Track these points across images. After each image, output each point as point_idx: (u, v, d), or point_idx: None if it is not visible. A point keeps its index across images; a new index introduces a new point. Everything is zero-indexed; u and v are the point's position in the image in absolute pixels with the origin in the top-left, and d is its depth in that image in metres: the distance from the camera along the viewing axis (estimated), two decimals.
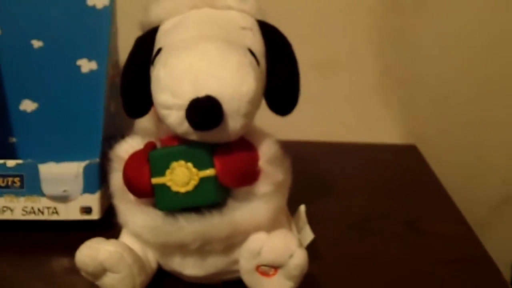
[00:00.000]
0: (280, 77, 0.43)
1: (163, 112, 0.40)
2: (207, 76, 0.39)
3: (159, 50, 0.42)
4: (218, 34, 0.42)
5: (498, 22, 0.78)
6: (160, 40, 0.43)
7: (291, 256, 0.41)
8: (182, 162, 0.40)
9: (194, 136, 0.40)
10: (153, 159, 0.41)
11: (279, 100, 0.44)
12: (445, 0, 0.78)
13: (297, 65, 0.44)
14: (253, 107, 0.40)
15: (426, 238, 0.56)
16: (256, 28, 0.44)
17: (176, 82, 0.39)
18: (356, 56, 0.80)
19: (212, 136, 0.40)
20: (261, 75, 0.42)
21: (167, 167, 0.41)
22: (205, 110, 0.38)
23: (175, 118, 0.39)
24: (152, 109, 0.43)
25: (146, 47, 0.43)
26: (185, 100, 0.38)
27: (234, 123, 0.39)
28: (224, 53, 0.40)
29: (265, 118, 0.44)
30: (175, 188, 0.40)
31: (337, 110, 0.82)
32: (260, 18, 0.45)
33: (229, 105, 0.39)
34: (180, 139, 0.41)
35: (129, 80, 0.44)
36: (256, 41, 0.43)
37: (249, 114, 0.40)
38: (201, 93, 0.38)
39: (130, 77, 0.44)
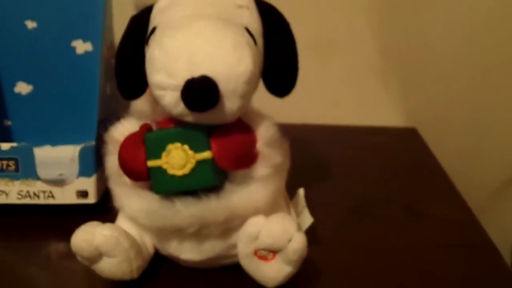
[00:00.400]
0: (278, 57, 0.42)
1: (158, 92, 0.39)
2: (203, 55, 0.38)
3: (154, 29, 0.41)
4: (214, 12, 0.41)
5: (498, 2, 0.77)
6: (155, 19, 0.42)
7: (289, 240, 0.40)
8: (178, 145, 0.40)
9: (190, 117, 0.39)
10: (148, 142, 0.41)
11: (277, 81, 0.43)
12: None
13: (295, 44, 0.43)
14: (250, 87, 0.40)
15: (426, 222, 0.55)
16: (253, 6, 0.43)
17: (171, 62, 0.38)
18: (355, 36, 0.79)
19: (208, 117, 0.39)
20: (258, 54, 0.41)
21: (163, 149, 0.40)
22: (200, 91, 0.37)
23: (170, 99, 0.38)
24: (148, 91, 0.42)
25: (140, 27, 0.42)
26: (181, 81, 0.37)
27: (230, 104, 0.39)
28: (220, 32, 0.39)
29: (263, 100, 0.44)
30: (171, 171, 0.40)
31: (335, 93, 0.82)
32: None
33: (225, 85, 0.38)
34: (176, 121, 0.41)
35: (123, 61, 0.43)
36: (253, 20, 0.42)
37: (246, 95, 0.39)
38: (197, 73, 0.37)
39: (125, 57, 0.43)
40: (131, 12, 0.45)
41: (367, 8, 0.78)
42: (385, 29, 0.79)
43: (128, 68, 0.42)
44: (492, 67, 0.79)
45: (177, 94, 0.38)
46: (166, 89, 0.38)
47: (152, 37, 0.41)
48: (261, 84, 0.43)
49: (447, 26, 0.78)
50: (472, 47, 0.79)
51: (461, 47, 0.79)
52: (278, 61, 0.42)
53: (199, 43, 0.38)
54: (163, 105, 0.39)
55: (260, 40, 0.42)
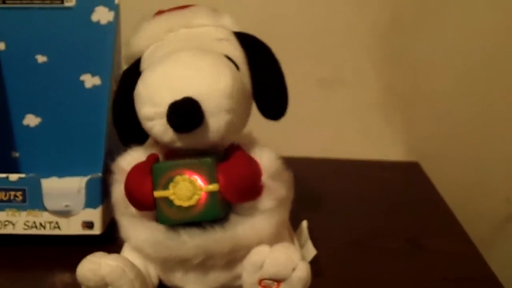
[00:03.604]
0: (264, 80, 0.44)
1: (148, 124, 0.41)
2: (182, 79, 0.40)
3: (141, 73, 0.43)
4: (193, 46, 0.43)
5: (498, 40, 0.78)
6: (142, 66, 0.45)
7: (294, 269, 0.41)
8: (186, 176, 0.40)
9: (180, 142, 0.40)
10: (156, 172, 0.41)
11: (268, 104, 0.44)
12: (445, 18, 0.78)
13: (279, 66, 0.45)
14: (234, 104, 0.41)
15: (429, 255, 0.56)
16: (232, 38, 0.45)
17: (154, 92, 0.40)
18: (358, 73, 0.80)
19: (197, 138, 0.40)
20: (243, 78, 0.43)
21: (171, 180, 0.41)
22: (183, 110, 0.38)
23: (159, 127, 0.40)
24: None
25: (132, 78, 0.44)
26: (165, 107, 0.39)
27: (217, 121, 0.40)
28: (197, 57, 0.41)
29: (268, 134, 0.44)
30: (177, 202, 0.40)
31: (339, 127, 0.83)
32: (237, 30, 0.46)
33: (208, 103, 0.39)
34: (183, 153, 0.41)
35: (120, 114, 0.45)
36: (233, 49, 0.44)
37: (232, 111, 0.40)
38: (179, 97, 0.39)
39: (120, 110, 0.45)
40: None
41: (370, 46, 0.79)
42: (387, 66, 0.80)
43: (125, 120, 0.44)
44: (492, 102, 0.80)
45: (164, 120, 0.39)
46: (154, 119, 0.40)
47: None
48: (262, 119, 0.44)
49: (447, 63, 0.79)
50: (472, 83, 0.80)
51: (461, 83, 0.80)
52: (265, 85, 0.44)
53: (177, 69, 0.40)
54: (154, 136, 0.41)
55: (243, 67, 0.44)
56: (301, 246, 0.49)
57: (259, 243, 0.42)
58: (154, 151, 0.44)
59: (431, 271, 0.52)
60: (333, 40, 0.79)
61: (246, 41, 0.46)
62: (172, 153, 0.43)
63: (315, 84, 0.80)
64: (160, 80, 0.40)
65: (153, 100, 0.40)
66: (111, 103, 0.56)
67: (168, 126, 0.39)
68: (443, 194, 0.69)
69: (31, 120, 0.65)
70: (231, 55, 0.43)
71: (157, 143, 0.44)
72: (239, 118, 0.42)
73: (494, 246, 0.82)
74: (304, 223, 0.51)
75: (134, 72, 0.45)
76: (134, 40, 0.47)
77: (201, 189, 0.40)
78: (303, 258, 0.42)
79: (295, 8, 0.77)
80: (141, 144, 0.45)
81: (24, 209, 0.52)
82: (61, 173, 0.63)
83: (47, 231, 0.53)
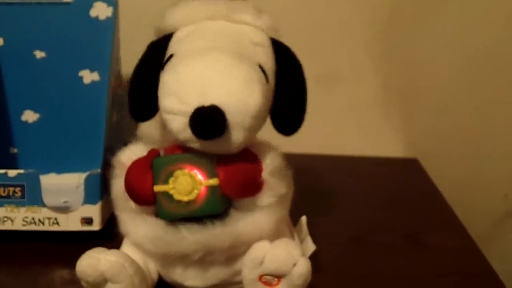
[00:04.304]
0: (288, 97, 0.43)
1: (167, 117, 0.40)
2: (215, 85, 0.39)
3: (171, 56, 0.42)
4: (230, 47, 0.42)
5: (497, 35, 0.78)
6: (173, 47, 0.43)
7: (294, 265, 0.41)
8: (185, 171, 0.40)
9: (195, 144, 0.40)
10: (156, 167, 0.41)
11: (284, 120, 0.43)
12: (444, 13, 0.78)
13: (305, 86, 0.44)
14: (257, 122, 0.40)
15: (428, 251, 0.56)
16: (268, 45, 0.44)
17: (183, 88, 0.39)
18: (357, 69, 0.80)
19: (213, 146, 0.39)
20: (268, 92, 0.42)
21: (171, 175, 0.40)
22: (208, 119, 0.38)
23: (179, 124, 0.39)
24: (157, 116, 0.43)
25: (158, 52, 0.43)
26: (190, 107, 0.38)
27: (236, 136, 0.39)
28: (233, 65, 0.40)
29: (267, 130, 0.44)
30: (177, 196, 0.40)
31: (338, 124, 0.83)
32: (273, 36, 0.45)
33: (233, 117, 0.39)
34: (184, 148, 0.41)
35: (138, 83, 0.43)
36: (267, 58, 0.43)
37: (252, 128, 0.40)
38: (207, 102, 0.38)
39: (140, 80, 0.43)
40: (139, 42, 0.46)
41: (368, 43, 0.79)
42: (386, 62, 0.80)
43: (142, 90, 0.43)
44: (491, 99, 0.80)
45: (186, 120, 0.38)
46: (176, 114, 0.39)
47: (168, 64, 0.42)
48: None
49: (446, 59, 0.79)
50: (471, 79, 0.80)
51: (459, 79, 0.80)
52: (287, 101, 0.43)
53: (211, 73, 0.39)
54: (171, 130, 0.40)
55: (272, 78, 0.43)
56: (301, 241, 0.49)
57: (259, 239, 0.42)
58: (155, 146, 0.44)
59: (430, 267, 0.52)
60: (331, 37, 0.79)
61: (281, 52, 0.44)
62: (173, 148, 0.43)
63: (313, 81, 0.78)
64: (192, 78, 0.39)
65: (180, 96, 0.39)
66: (110, 98, 0.56)
67: (187, 126, 0.38)
68: (442, 190, 0.70)
69: (29, 116, 0.64)
70: (264, 66, 0.42)
71: (165, 128, 0.43)
72: (255, 133, 0.42)
73: (493, 242, 0.82)
74: (304, 219, 0.51)
75: (162, 46, 0.44)
76: (170, 14, 0.45)
77: (201, 183, 0.40)
78: (303, 253, 0.42)
79: (293, 4, 0.77)
80: (149, 119, 0.44)
81: (23, 205, 0.52)
82: (59, 169, 0.63)
83: (46, 227, 0.52)
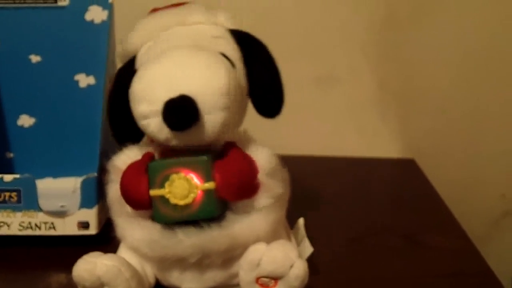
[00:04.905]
0: (260, 78, 0.44)
1: (143, 123, 0.40)
2: (178, 76, 0.39)
3: (136, 71, 0.43)
4: (189, 43, 0.43)
5: (493, 36, 0.78)
6: (137, 64, 0.44)
7: (291, 266, 0.40)
8: (181, 174, 0.40)
9: (175, 140, 0.40)
10: (151, 171, 0.41)
11: (264, 101, 0.45)
12: (440, 15, 0.78)
13: (275, 63, 0.45)
14: (231, 102, 0.40)
15: (426, 252, 0.56)
16: (228, 36, 0.45)
17: (149, 90, 0.40)
18: (354, 70, 0.80)
19: (193, 136, 0.40)
20: (238, 76, 0.43)
21: (166, 179, 0.40)
22: (180, 108, 0.38)
23: (154, 125, 0.40)
24: None
25: (126, 77, 0.43)
26: (160, 105, 0.39)
27: (213, 119, 0.40)
28: (192, 54, 0.41)
29: (264, 132, 0.44)
30: (173, 200, 0.40)
31: (335, 125, 0.83)
32: (233, 27, 0.46)
33: (204, 100, 0.39)
34: (179, 152, 0.41)
35: (115, 112, 0.45)
36: (229, 47, 0.44)
37: (228, 109, 0.40)
38: (174, 94, 0.38)
39: (115, 107, 0.45)
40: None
41: (365, 44, 0.79)
42: (383, 63, 0.80)
43: (120, 117, 0.44)
44: (487, 99, 0.81)
45: (159, 119, 0.39)
46: (149, 117, 0.40)
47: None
48: (258, 117, 0.44)
49: (442, 60, 0.79)
50: (467, 80, 0.80)
51: (456, 80, 0.80)
52: (261, 82, 0.44)
53: (172, 67, 0.40)
54: (150, 135, 0.41)
55: (239, 64, 0.44)
56: (298, 243, 0.49)
57: (256, 241, 0.42)
58: (149, 149, 0.44)
59: (428, 267, 0.52)
60: (328, 38, 0.79)
61: (241, 38, 0.45)
62: (168, 152, 0.43)
63: (310, 82, 0.80)
64: (154, 78, 0.40)
65: (148, 98, 0.39)
66: (105, 101, 0.56)
67: (163, 124, 0.39)
68: (439, 191, 0.70)
69: (25, 120, 0.64)
70: (226, 53, 0.43)
71: (152, 141, 0.44)
72: (235, 116, 0.42)
73: (490, 242, 0.82)
74: (301, 221, 0.51)
75: (129, 70, 0.44)
76: (129, 38, 0.47)
77: (197, 187, 0.40)
78: (300, 255, 0.42)
79: (290, 6, 0.77)
80: (137, 143, 0.45)
81: (19, 209, 0.52)
82: (56, 174, 0.63)
83: (43, 232, 0.52)
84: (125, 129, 0.44)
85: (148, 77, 0.40)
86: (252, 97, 0.44)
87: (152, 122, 0.40)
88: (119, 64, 0.48)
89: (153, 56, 0.43)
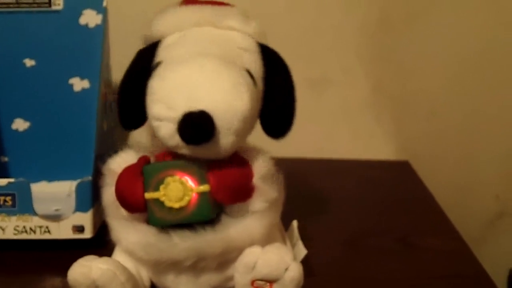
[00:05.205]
0: (277, 101, 0.44)
1: (156, 123, 0.40)
2: (202, 91, 0.39)
3: (158, 63, 0.42)
4: (217, 52, 0.42)
5: (487, 38, 0.79)
6: (161, 54, 0.43)
7: (286, 269, 0.41)
8: (176, 177, 0.40)
9: (184, 150, 0.40)
10: (147, 174, 0.41)
11: (274, 124, 0.44)
12: (434, 17, 0.78)
13: (294, 90, 0.44)
14: (246, 126, 0.40)
15: (420, 254, 0.56)
16: (256, 50, 0.44)
17: (171, 95, 0.39)
18: (348, 73, 0.81)
19: (202, 151, 0.40)
20: (257, 96, 0.42)
21: (161, 182, 0.40)
22: (197, 125, 0.38)
23: (167, 130, 0.39)
24: (147, 123, 0.43)
25: (146, 60, 0.43)
26: (179, 113, 0.38)
27: (225, 140, 0.39)
28: (221, 70, 0.40)
29: (258, 135, 0.44)
30: (168, 203, 0.40)
31: (329, 127, 0.83)
32: (261, 41, 0.45)
33: (221, 121, 0.39)
34: (174, 155, 0.41)
35: (126, 91, 0.44)
36: (254, 63, 0.43)
37: (241, 133, 0.40)
38: (195, 108, 0.38)
39: (128, 88, 0.44)
40: (129, 49, 0.46)
41: (359, 46, 0.79)
42: (376, 66, 0.80)
43: (130, 99, 0.43)
44: (482, 101, 0.81)
45: (174, 126, 0.39)
46: (164, 121, 0.39)
47: (155, 71, 0.42)
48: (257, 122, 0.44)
49: (436, 63, 0.79)
50: (462, 82, 0.80)
51: (450, 82, 0.80)
52: (276, 104, 0.44)
53: (199, 79, 0.39)
54: (159, 137, 0.40)
55: (260, 83, 0.43)
56: (292, 246, 0.49)
57: (251, 244, 0.42)
58: (145, 153, 0.44)
59: (423, 269, 0.53)
60: (322, 41, 0.79)
61: (269, 57, 0.45)
62: (162, 155, 0.43)
63: (304, 85, 0.79)
64: (179, 84, 0.39)
65: (166, 101, 0.39)
66: (100, 105, 0.56)
67: (176, 132, 0.39)
68: (433, 193, 0.70)
69: (20, 124, 0.64)
70: (251, 70, 0.42)
71: (154, 137, 0.43)
72: (244, 137, 0.42)
73: (485, 244, 0.82)
74: (295, 223, 0.51)
75: (149, 54, 0.44)
76: (157, 22, 0.45)
77: (192, 190, 0.40)
78: (294, 258, 0.42)
79: (284, 8, 0.78)
80: (138, 127, 0.44)
81: (14, 214, 0.52)
82: (50, 177, 0.63)
83: (38, 236, 0.52)
84: (131, 111, 0.43)
85: (171, 81, 0.40)
86: (263, 117, 0.44)
87: (165, 126, 0.39)
88: (142, 45, 0.46)
89: (178, 55, 0.42)
